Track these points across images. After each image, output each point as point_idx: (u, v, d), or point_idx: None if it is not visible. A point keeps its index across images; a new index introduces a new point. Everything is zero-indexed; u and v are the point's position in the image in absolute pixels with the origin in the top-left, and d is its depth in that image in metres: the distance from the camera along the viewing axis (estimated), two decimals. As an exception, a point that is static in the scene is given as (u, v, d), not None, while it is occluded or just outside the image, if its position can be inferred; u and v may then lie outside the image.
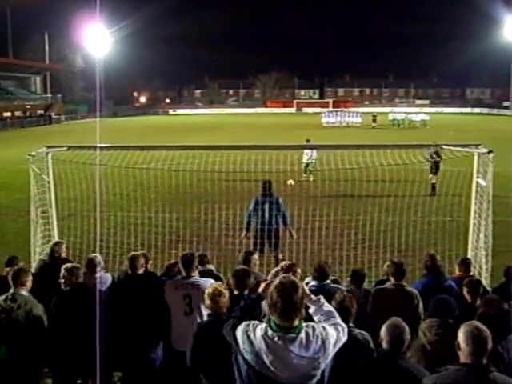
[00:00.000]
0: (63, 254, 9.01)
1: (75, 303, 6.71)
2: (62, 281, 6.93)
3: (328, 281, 7.29)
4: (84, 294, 6.70)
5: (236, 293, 5.94)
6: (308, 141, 22.06)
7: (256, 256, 8.17)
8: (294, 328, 4.19)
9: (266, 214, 11.81)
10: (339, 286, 7.34)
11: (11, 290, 6.78)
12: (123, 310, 6.76)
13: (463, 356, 4.43)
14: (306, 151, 24.73)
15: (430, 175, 20.32)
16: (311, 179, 24.71)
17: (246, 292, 5.94)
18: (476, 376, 4.32)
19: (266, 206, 11.85)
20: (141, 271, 7.24)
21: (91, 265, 7.75)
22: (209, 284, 6.17)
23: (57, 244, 8.98)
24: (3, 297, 6.74)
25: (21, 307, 6.63)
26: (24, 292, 6.84)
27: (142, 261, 7.30)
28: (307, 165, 25.38)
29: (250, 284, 5.89)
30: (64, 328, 6.67)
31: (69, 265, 7.12)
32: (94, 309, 6.07)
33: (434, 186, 19.67)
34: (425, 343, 5.61)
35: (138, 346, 6.76)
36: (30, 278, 7.08)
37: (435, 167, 20.04)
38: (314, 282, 7.12)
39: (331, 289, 6.81)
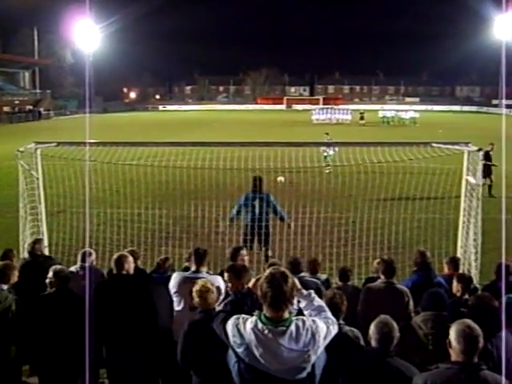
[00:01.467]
0: (45, 251, 8.96)
1: (59, 307, 6.63)
2: (48, 281, 6.84)
3: (303, 273, 7.33)
4: (68, 299, 6.66)
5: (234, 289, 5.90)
6: (327, 134, 27.29)
7: (244, 252, 8.15)
8: (283, 321, 4.21)
9: (257, 211, 11.77)
10: (314, 280, 7.35)
11: None
12: (108, 310, 6.73)
13: (454, 354, 4.46)
14: (324, 148, 25.70)
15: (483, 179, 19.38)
16: (327, 171, 24.69)
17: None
18: (467, 374, 4.34)
19: (257, 203, 11.81)
20: (124, 272, 7.10)
21: (83, 255, 7.74)
22: (216, 280, 6.17)
23: (37, 241, 8.88)
24: None
25: (0, 303, 6.59)
26: (5, 287, 6.80)
27: (128, 260, 7.18)
28: (325, 156, 26.40)
29: (246, 280, 5.86)
30: (46, 330, 6.59)
31: (58, 267, 7.00)
32: (77, 314, 6.12)
33: (490, 188, 18.89)
34: (421, 336, 5.65)
35: (123, 346, 6.74)
36: (15, 273, 7.04)
37: (487, 169, 18.95)
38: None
39: (307, 282, 6.84)
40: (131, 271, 7.20)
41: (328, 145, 23.06)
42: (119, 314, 6.69)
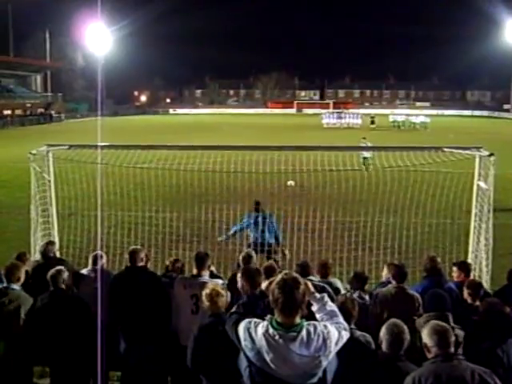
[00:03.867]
0: (57, 254, 9.01)
1: (69, 308, 6.70)
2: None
3: (311, 277, 7.32)
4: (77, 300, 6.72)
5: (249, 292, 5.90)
6: (364, 138, 29.77)
7: (254, 258, 8.18)
8: (295, 326, 4.20)
9: (260, 227, 11.70)
10: (322, 284, 7.35)
11: (4, 284, 6.80)
12: (123, 302, 6.84)
13: (432, 352, 4.67)
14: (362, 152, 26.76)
15: None
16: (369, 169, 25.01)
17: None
18: (450, 363, 4.56)
19: (260, 219, 11.73)
20: (141, 264, 7.26)
21: (94, 258, 7.79)
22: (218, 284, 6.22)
23: (49, 243, 8.93)
24: None
25: (12, 302, 6.62)
26: (16, 286, 6.85)
27: (142, 255, 7.31)
28: (365, 158, 27.31)
29: (261, 283, 5.87)
30: (58, 331, 6.65)
31: (53, 271, 7.00)
32: (87, 316, 6.13)
33: None
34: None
35: (136, 340, 6.79)
36: (23, 272, 7.09)
37: None
38: None
39: (317, 285, 6.84)
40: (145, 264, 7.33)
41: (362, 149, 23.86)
42: (134, 305, 6.79)
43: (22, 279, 7.04)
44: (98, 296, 5.92)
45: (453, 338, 4.66)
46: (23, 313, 6.66)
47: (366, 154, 27.19)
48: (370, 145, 24.91)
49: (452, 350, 4.64)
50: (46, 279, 6.92)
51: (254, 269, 6.26)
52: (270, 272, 6.33)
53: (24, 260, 8.26)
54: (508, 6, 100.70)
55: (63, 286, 6.87)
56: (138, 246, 7.89)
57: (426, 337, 4.72)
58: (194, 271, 7.02)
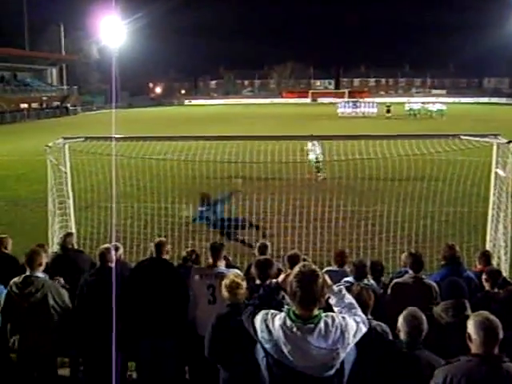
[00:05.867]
0: (75, 245, 9.09)
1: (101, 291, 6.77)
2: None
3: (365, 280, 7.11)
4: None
5: (258, 282, 5.92)
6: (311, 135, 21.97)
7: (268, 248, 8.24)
8: (313, 318, 4.18)
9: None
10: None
11: (27, 273, 6.77)
12: (144, 292, 6.89)
13: (474, 347, 4.39)
14: (309, 147, 22.94)
15: None
16: (322, 177, 21.94)
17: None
18: (488, 366, 4.28)
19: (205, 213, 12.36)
20: (166, 257, 7.36)
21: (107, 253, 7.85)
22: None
23: (68, 235, 9.01)
24: (18, 280, 6.72)
25: (39, 290, 6.63)
26: (40, 274, 6.83)
27: (167, 247, 7.44)
28: (317, 161, 22.69)
29: (272, 274, 5.88)
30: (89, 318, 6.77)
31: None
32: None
33: None
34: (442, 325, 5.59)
35: (153, 330, 6.82)
36: (44, 258, 7.10)
37: None
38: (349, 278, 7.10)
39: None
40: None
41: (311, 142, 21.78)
42: (155, 297, 6.83)
43: (44, 265, 7.02)
44: (113, 287, 5.96)
45: (500, 336, 4.36)
46: (51, 300, 6.67)
47: (314, 155, 22.69)
48: (318, 146, 22.52)
49: (496, 350, 4.34)
50: (65, 270, 7.00)
51: (264, 259, 6.26)
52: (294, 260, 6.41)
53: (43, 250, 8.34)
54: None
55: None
56: (163, 238, 7.93)
57: (472, 328, 4.42)
58: (210, 261, 7.04)
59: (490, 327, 4.35)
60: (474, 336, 4.38)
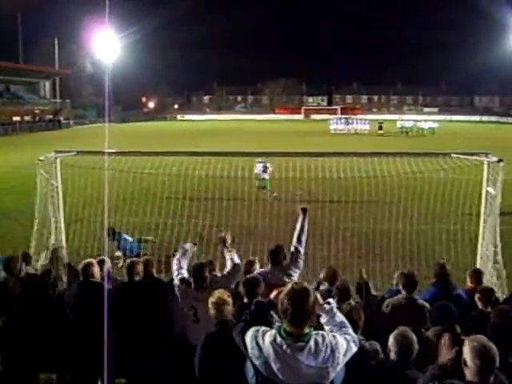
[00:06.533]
0: (65, 259, 9.02)
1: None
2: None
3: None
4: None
5: (246, 300, 5.89)
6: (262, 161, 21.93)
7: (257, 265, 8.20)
8: (303, 336, 4.16)
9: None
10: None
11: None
12: (123, 316, 6.79)
13: (469, 374, 4.27)
14: (258, 165, 22.52)
15: None
16: (272, 194, 21.51)
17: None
18: None
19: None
20: (137, 278, 7.36)
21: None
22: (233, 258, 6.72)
23: (57, 248, 8.96)
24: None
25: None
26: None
27: (139, 268, 7.43)
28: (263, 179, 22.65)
29: (260, 292, 5.85)
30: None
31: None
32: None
33: None
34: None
35: (139, 346, 6.77)
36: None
37: None
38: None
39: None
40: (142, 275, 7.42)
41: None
42: (133, 320, 6.80)
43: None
44: (105, 301, 5.91)
45: (497, 364, 4.22)
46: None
47: (264, 174, 22.54)
48: (268, 164, 22.32)
49: (492, 379, 4.20)
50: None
51: (251, 278, 6.22)
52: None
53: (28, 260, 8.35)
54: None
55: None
56: (134, 259, 7.97)
57: (468, 354, 4.28)
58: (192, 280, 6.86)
59: (487, 356, 4.23)
60: (469, 363, 4.26)
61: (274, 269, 7.23)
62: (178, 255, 7.24)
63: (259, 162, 22.30)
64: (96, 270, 7.26)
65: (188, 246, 7.38)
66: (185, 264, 7.11)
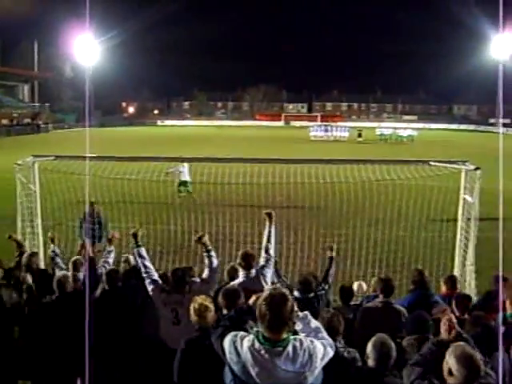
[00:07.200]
0: (40, 265, 8.97)
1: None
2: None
3: (313, 294, 7.33)
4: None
5: (225, 312, 5.87)
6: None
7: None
8: (281, 341, 4.16)
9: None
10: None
11: None
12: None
13: (454, 381, 4.33)
14: (180, 169, 22.10)
15: None
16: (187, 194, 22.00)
17: None
18: None
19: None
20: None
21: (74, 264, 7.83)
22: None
23: (33, 255, 8.87)
24: None
25: None
26: None
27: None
28: (184, 183, 22.38)
29: (240, 304, 5.83)
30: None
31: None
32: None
33: None
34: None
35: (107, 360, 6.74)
36: None
37: None
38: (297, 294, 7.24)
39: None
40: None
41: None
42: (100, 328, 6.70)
43: None
44: (86, 303, 5.88)
45: (482, 372, 4.29)
46: None
47: (186, 177, 22.24)
48: (185, 169, 22.09)
49: None
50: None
51: (232, 289, 6.19)
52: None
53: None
54: (494, 22, 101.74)
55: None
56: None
57: (453, 363, 4.32)
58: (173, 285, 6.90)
59: (471, 365, 4.28)
60: (455, 372, 4.29)
61: (247, 274, 7.25)
62: (138, 262, 7.28)
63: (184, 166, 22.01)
64: (70, 280, 7.22)
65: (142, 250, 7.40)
66: (150, 265, 7.16)
